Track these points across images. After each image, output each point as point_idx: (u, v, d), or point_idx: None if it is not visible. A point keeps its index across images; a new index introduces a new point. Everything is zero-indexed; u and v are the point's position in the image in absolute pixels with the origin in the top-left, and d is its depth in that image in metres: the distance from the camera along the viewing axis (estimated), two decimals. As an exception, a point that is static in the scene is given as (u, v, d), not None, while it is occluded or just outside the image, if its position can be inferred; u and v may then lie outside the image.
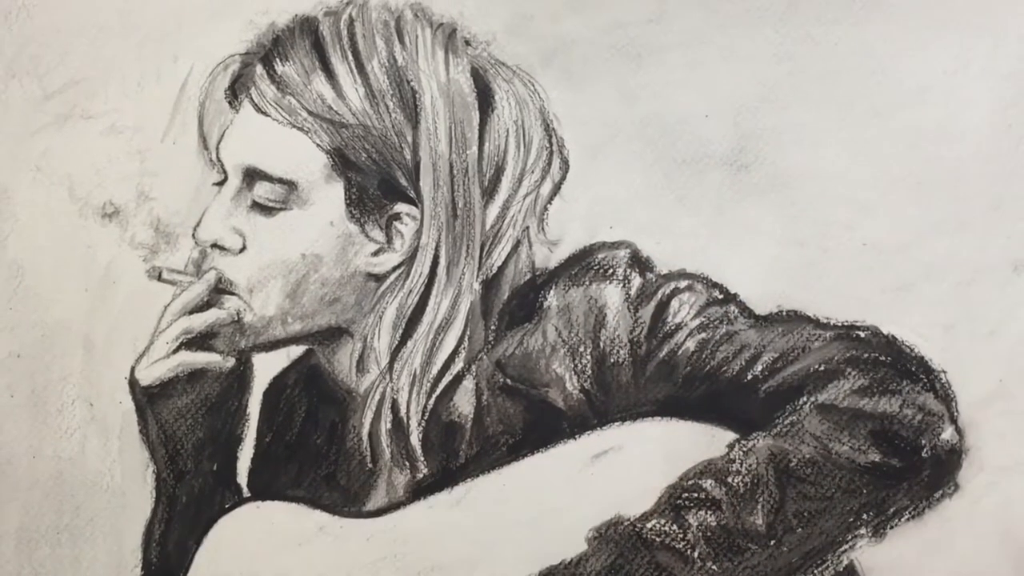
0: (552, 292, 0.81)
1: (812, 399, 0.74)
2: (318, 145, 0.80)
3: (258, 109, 0.81)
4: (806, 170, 0.81)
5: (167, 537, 0.79)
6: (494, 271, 0.81)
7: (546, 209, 0.82)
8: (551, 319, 0.81)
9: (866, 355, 0.78)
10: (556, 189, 0.82)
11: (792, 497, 0.72)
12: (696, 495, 0.74)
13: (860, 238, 0.81)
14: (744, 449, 0.73)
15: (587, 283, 0.81)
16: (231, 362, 0.81)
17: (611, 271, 0.81)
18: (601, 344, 0.80)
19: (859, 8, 0.82)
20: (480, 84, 0.82)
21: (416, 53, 0.81)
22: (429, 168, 0.80)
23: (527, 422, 0.80)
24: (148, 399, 0.79)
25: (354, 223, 0.81)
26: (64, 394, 0.80)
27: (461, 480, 0.80)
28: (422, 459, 0.80)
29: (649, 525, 0.73)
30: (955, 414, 0.78)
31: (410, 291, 0.80)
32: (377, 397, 0.80)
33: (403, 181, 0.81)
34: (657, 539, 0.72)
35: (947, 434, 0.76)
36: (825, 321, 0.79)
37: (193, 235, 0.81)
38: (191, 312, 0.80)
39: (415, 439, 0.80)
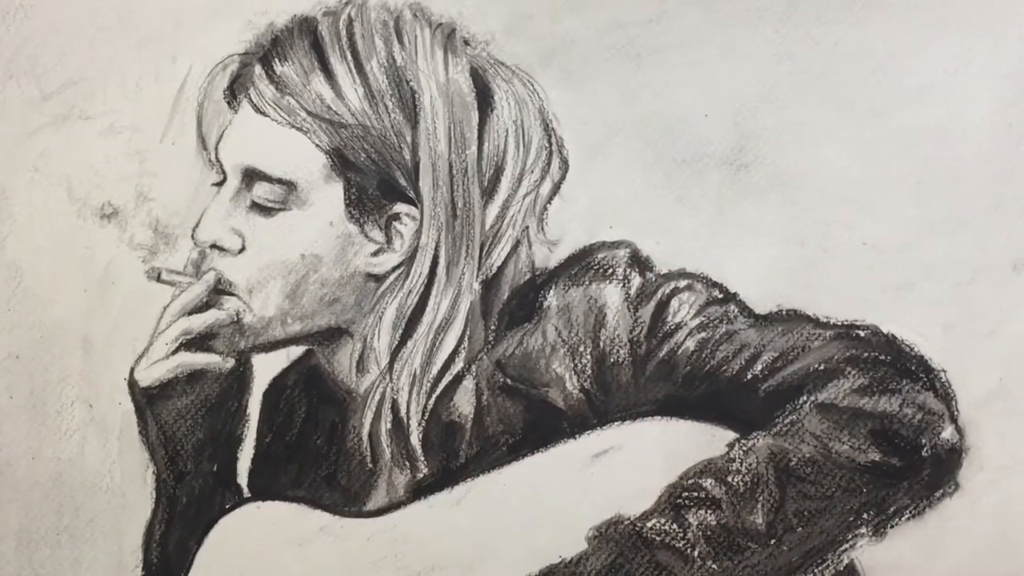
0: (552, 292, 0.81)
1: (812, 398, 0.74)
2: (317, 145, 0.80)
3: (257, 109, 0.80)
4: (806, 170, 0.81)
5: (167, 538, 0.79)
6: (494, 271, 0.81)
7: (546, 209, 0.82)
8: (551, 319, 0.80)
9: (866, 354, 0.78)
10: (556, 189, 0.82)
11: (792, 496, 0.72)
12: (696, 494, 0.74)
13: (860, 237, 0.81)
14: (744, 448, 0.73)
15: (587, 283, 0.81)
16: (231, 363, 0.81)
17: (611, 271, 0.81)
18: (601, 344, 0.80)
19: (859, 8, 0.82)
20: (479, 84, 0.82)
21: (415, 53, 0.81)
22: (428, 168, 0.80)
23: (527, 422, 0.80)
24: (148, 400, 0.79)
25: (353, 223, 0.81)
26: (63, 395, 0.80)
27: (461, 480, 0.80)
28: (422, 459, 0.80)
29: (649, 524, 0.73)
30: (955, 413, 0.78)
31: (410, 291, 0.80)
32: (377, 397, 0.80)
33: (402, 181, 0.81)
34: (657, 538, 0.72)
35: (947, 433, 0.77)
36: (825, 320, 0.79)
37: (192, 236, 0.81)
38: (190, 313, 0.80)
39: (415, 439, 0.80)
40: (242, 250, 0.80)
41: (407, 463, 0.80)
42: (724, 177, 0.81)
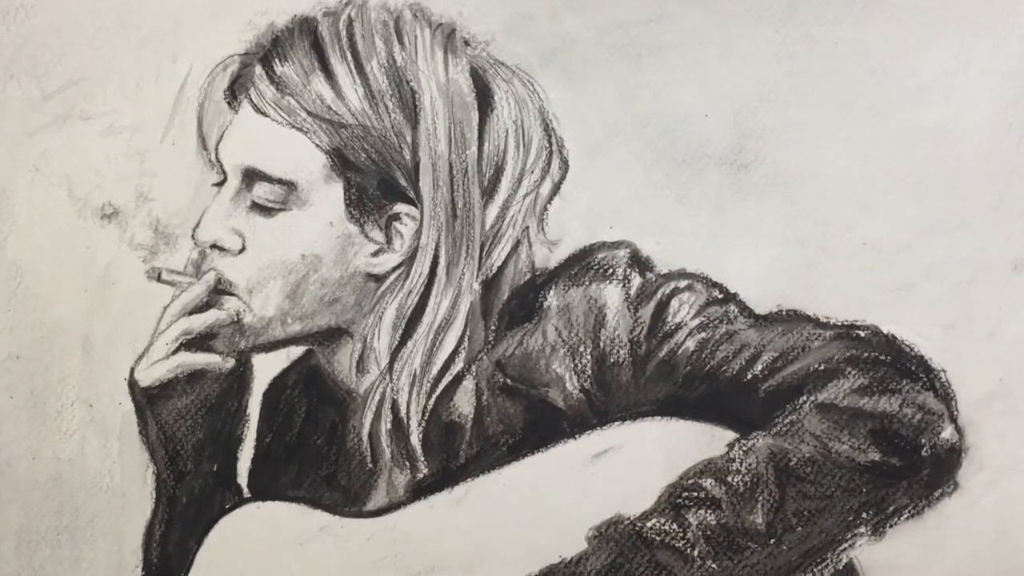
0: (552, 292, 0.81)
1: (812, 398, 0.74)
2: (317, 145, 0.80)
3: (257, 110, 0.80)
4: (806, 170, 0.81)
5: (167, 538, 0.79)
6: (494, 271, 0.81)
7: (546, 209, 0.82)
8: (551, 319, 0.80)
9: (866, 354, 0.78)
10: (556, 189, 0.82)
11: (792, 496, 0.72)
12: (696, 494, 0.74)
13: (860, 237, 0.81)
14: (744, 448, 0.73)
15: (587, 283, 0.81)
16: (231, 363, 0.81)
17: (611, 271, 0.81)
18: (601, 344, 0.80)
19: (859, 8, 0.82)
20: (479, 84, 0.82)
21: (415, 53, 0.81)
22: (428, 168, 0.80)
23: (527, 422, 0.80)
24: (148, 400, 0.79)
25: (353, 223, 0.81)
26: (63, 395, 0.80)
27: (461, 480, 0.80)
28: (422, 459, 0.80)
29: (649, 524, 0.73)
30: (955, 413, 0.78)
31: (410, 291, 0.80)
32: (377, 397, 0.80)
33: (402, 181, 0.81)
34: (657, 538, 0.72)
35: (947, 433, 0.77)
36: (825, 320, 0.79)
37: (192, 236, 0.81)
38: (190, 313, 0.80)
39: (415, 439, 0.80)
40: (242, 250, 0.80)
41: (407, 463, 0.80)
42: (724, 177, 0.81)
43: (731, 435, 0.75)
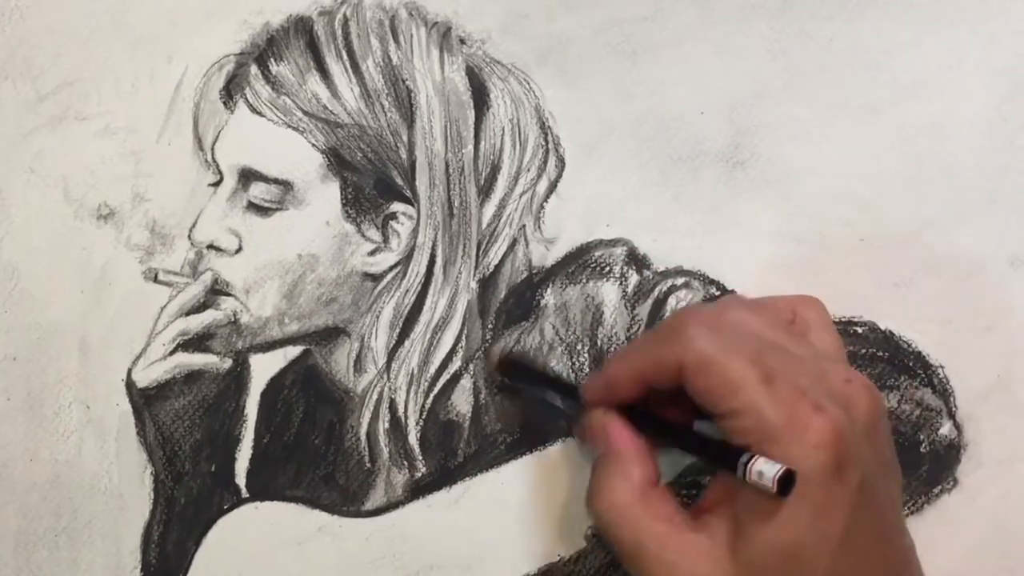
0: (549, 290, 0.81)
1: (810, 395, 0.74)
2: (313, 145, 0.80)
3: (253, 109, 0.81)
4: (802, 166, 0.81)
5: (166, 538, 0.79)
6: (491, 270, 0.81)
7: (542, 207, 0.82)
8: (548, 317, 0.80)
9: (863, 351, 0.78)
10: (552, 187, 0.82)
11: (791, 493, 0.72)
12: (695, 492, 0.74)
13: (857, 234, 0.81)
14: (742, 446, 0.73)
15: (584, 281, 0.81)
16: (228, 363, 0.81)
17: (608, 269, 0.81)
18: (599, 342, 0.80)
19: (854, 4, 0.82)
20: (475, 83, 0.82)
21: (411, 52, 0.81)
22: (425, 167, 0.80)
23: (525, 420, 0.80)
24: (145, 401, 0.79)
25: (350, 223, 0.81)
26: (60, 397, 0.79)
27: (460, 479, 0.80)
28: (420, 458, 0.80)
29: (648, 522, 0.73)
30: (953, 409, 0.78)
31: (407, 290, 0.80)
32: (375, 397, 0.80)
33: (399, 180, 0.81)
34: (656, 536, 0.72)
35: (945, 429, 0.77)
36: (822, 317, 0.79)
37: (189, 236, 0.81)
38: (187, 314, 0.80)
39: (413, 438, 0.80)
40: (239, 250, 0.81)
41: (405, 462, 0.80)
42: (720, 174, 0.81)
43: (729, 432, 0.75)
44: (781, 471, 0.60)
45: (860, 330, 0.79)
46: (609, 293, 0.80)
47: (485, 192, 0.81)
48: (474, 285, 0.81)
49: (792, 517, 0.61)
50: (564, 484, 0.79)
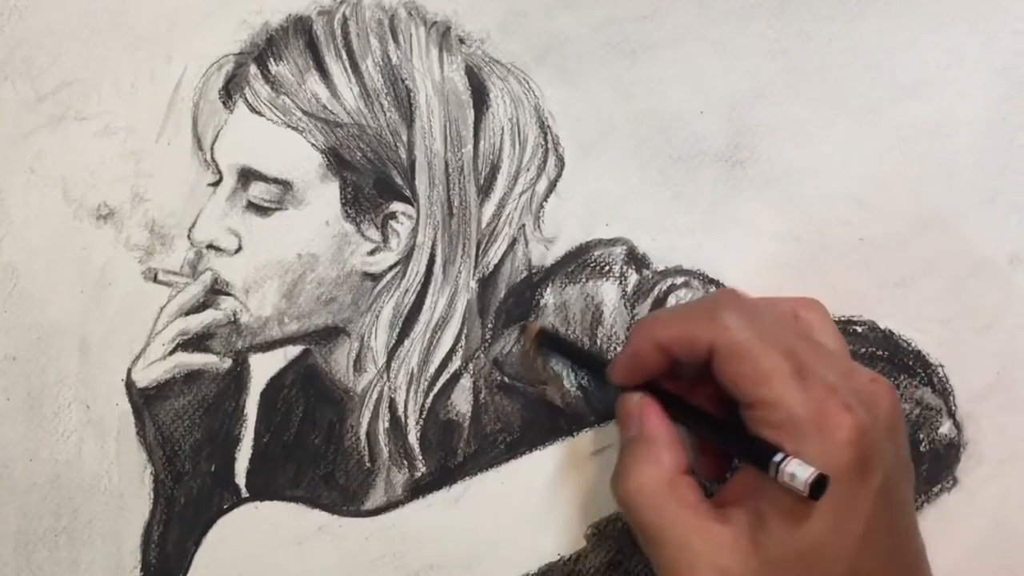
0: (549, 290, 0.81)
1: (809, 394, 0.74)
2: (313, 145, 0.80)
3: (252, 109, 0.81)
4: (801, 166, 0.81)
5: (166, 538, 0.79)
6: (490, 269, 0.81)
7: (542, 206, 0.82)
8: (548, 316, 0.80)
9: (863, 350, 0.78)
10: (552, 186, 0.82)
11: (790, 492, 0.72)
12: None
13: (857, 233, 0.81)
14: (742, 445, 0.73)
15: (583, 280, 0.81)
16: (228, 363, 0.81)
17: (607, 268, 0.81)
18: (598, 341, 0.80)
19: (853, 4, 0.82)
20: (474, 82, 0.82)
21: (410, 51, 0.81)
22: (424, 167, 0.80)
23: (525, 420, 0.80)
24: (145, 401, 0.79)
25: (350, 222, 0.81)
26: (60, 397, 0.79)
27: (459, 478, 0.80)
28: (420, 458, 0.80)
29: (648, 522, 0.73)
30: (953, 408, 0.78)
31: (406, 290, 0.80)
32: (375, 396, 0.80)
33: (398, 180, 0.81)
34: (656, 536, 0.72)
35: (945, 428, 0.76)
36: (822, 316, 0.79)
37: (188, 236, 0.81)
38: (187, 313, 0.80)
39: (413, 438, 0.80)
40: (238, 250, 0.81)
41: (405, 462, 0.80)
42: (719, 174, 0.81)
43: (729, 432, 0.75)
44: (814, 476, 0.59)
45: (860, 329, 0.79)
46: (608, 292, 0.80)
47: (485, 191, 0.81)
48: (474, 284, 0.81)
49: (816, 515, 0.61)
50: (564, 484, 0.79)
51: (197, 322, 0.80)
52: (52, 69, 0.81)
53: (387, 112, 0.80)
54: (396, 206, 0.81)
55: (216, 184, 0.81)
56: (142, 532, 0.79)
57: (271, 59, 0.81)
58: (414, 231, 0.80)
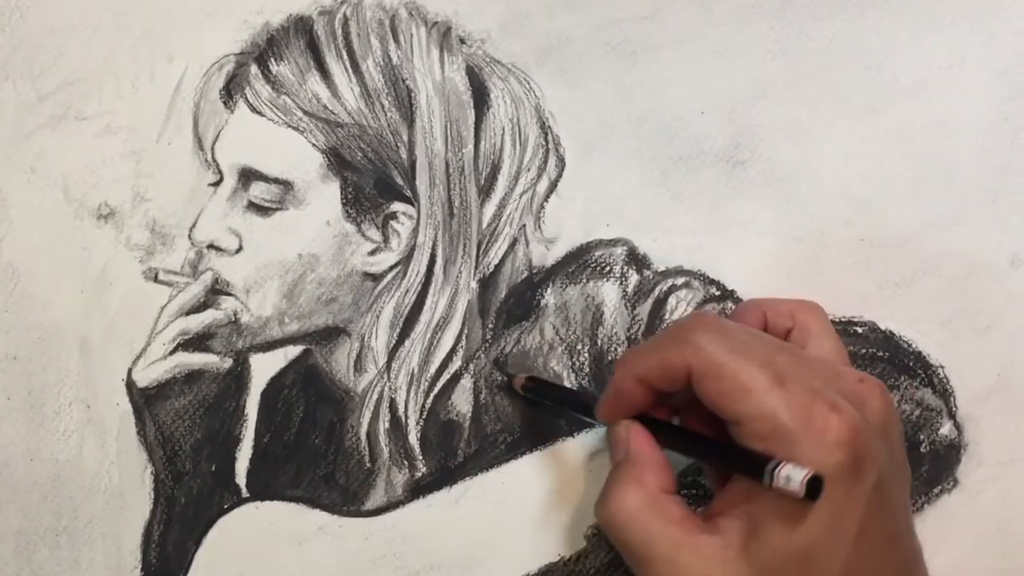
0: (549, 290, 0.81)
1: (810, 395, 0.74)
2: (314, 145, 0.80)
3: (253, 109, 0.81)
4: (802, 166, 0.81)
5: (166, 538, 0.79)
6: (491, 269, 0.81)
7: (542, 207, 0.82)
8: (548, 317, 0.80)
9: (863, 351, 0.78)
10: (552, 187, 0.82)
11: (790, 493, 0.72)
12: (695, 491, 0.74)
13: (857, 234, 0.81)
14: (742, 445, 0.73)
15: (584, 281, 0.81)
16: (228, 363, 0.81)
17: (608, 268, 0.81)
18: (599, 342, 0.80)
19: (853, 4, 0.82)
20: (475, 82, 0.82)
21: (411, 51, 0.81)
22: (425, 167, 0.80)
23: (525, 420, 0.80)
24: (145, 400, 0.79)
25: (350, 222, 0.81)
26: (61, 396, 0.79)
27: (460, 478, 0.80)
28: (420, 458, 0.80)
29: (648, 522, 0.73)
30: (953, 409, 0.78)
31: (407, 290, 0.80)
32: (375, 396, 0.80)
33: (399, 180, 0.81)
34: (656, 536, 0.72)
35: (945, 429, 0.77)
36: (822, 317, 0.79)
37: (189, 236, 0.81)
38: (188, 313, 0.80)
39: (413, 438, 0.80)
40: (239, 250, 0.81)
41: (405, 462, 0.80)
42: (720, 174, 0.81)
43: (730, 432, 0.75)
44: (809, 475, 0.59)
45: (860, 330, 0.79)
46: (609, 293, 0.80)
47: (485, 192, 0.81)
48: (474, 285, 0.81)
49: (811, 518, 0.61)
50: (564, 484, 0.79)
51: (198, 322, 0.80)
52: (53, 69, 0.81)
53: (388, 112, 0.80)
54: (397, 206, 0.81)
55: (217, 184, 0.81)
56: (142, 532, 0.79)
57: (272, 59, 0.81)
58: (415, 231, 0.80)
